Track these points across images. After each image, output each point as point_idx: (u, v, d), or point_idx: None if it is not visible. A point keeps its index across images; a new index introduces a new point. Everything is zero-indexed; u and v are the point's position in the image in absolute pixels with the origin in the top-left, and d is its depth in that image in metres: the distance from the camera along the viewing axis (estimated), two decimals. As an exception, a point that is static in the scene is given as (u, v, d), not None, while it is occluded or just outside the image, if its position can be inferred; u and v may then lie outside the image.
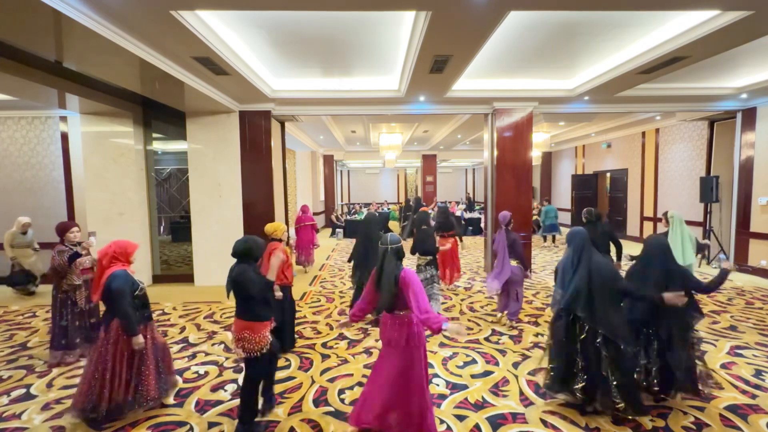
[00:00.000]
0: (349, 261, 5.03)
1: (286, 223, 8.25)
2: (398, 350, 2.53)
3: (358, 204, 19.03)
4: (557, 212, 10.98)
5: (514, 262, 4.69)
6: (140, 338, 2.81)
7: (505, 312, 4.74)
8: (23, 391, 3.34)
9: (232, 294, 2.66)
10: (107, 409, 2.75)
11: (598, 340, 2.70)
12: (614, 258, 4.72)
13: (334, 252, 10.38)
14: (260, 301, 2.68)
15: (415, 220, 4.94)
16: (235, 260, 2.72)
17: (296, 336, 4.34)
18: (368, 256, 4.48)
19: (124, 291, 2.77)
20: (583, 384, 2.74)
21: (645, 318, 2.87)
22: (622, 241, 4.78)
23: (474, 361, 3.78)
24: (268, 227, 3.91)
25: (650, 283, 2.82)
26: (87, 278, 3.88)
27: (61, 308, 3.79)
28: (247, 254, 2.71)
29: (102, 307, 3.01)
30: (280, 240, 3.82)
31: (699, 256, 7.86)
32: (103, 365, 2.77)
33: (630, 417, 2.73)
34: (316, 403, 3.08)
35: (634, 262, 3.15)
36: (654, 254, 2.91)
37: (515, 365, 3.67)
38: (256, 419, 2.77)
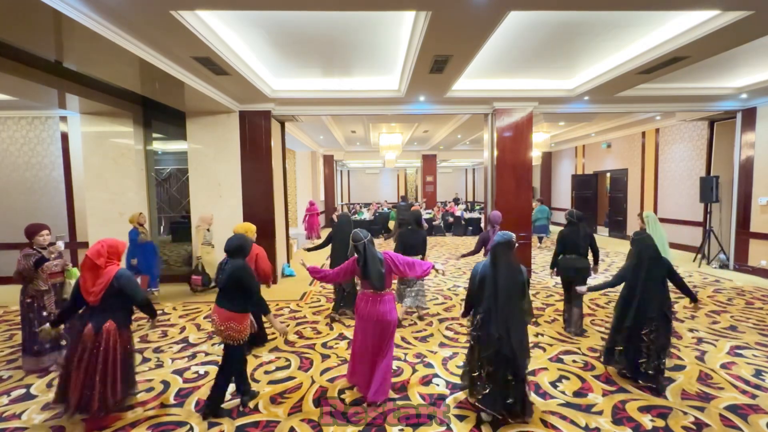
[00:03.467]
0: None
1: (287, 221, 8.25)
2: (373, 324, 2.99)
3: (359, 204, 19.04)
4: (550, 213, 10.90)
5: None
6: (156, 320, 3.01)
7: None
8: (23, 391, 3.34)
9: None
10: (98, 406, 2.67)
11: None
12: (591, 262, 4.51)
13: (334, 252, 10.34)
14: (249, 295, 2.86)
15: (404, 219, 5.13)
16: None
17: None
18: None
19: (136, 282, 2.87)
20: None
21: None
22: (622, 241, 4.83)
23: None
24: (250, 229, 3.95)
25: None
26: (56, 282, 3.73)
27: (29, 313, 3.64)
28: (240, 251, 2.93)
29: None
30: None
31: (699, 256, 7.90)
32: (94, 365, 2.67)
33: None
34: (316, 403, 3.08)
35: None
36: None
37: (515, 365, 3.66)
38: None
